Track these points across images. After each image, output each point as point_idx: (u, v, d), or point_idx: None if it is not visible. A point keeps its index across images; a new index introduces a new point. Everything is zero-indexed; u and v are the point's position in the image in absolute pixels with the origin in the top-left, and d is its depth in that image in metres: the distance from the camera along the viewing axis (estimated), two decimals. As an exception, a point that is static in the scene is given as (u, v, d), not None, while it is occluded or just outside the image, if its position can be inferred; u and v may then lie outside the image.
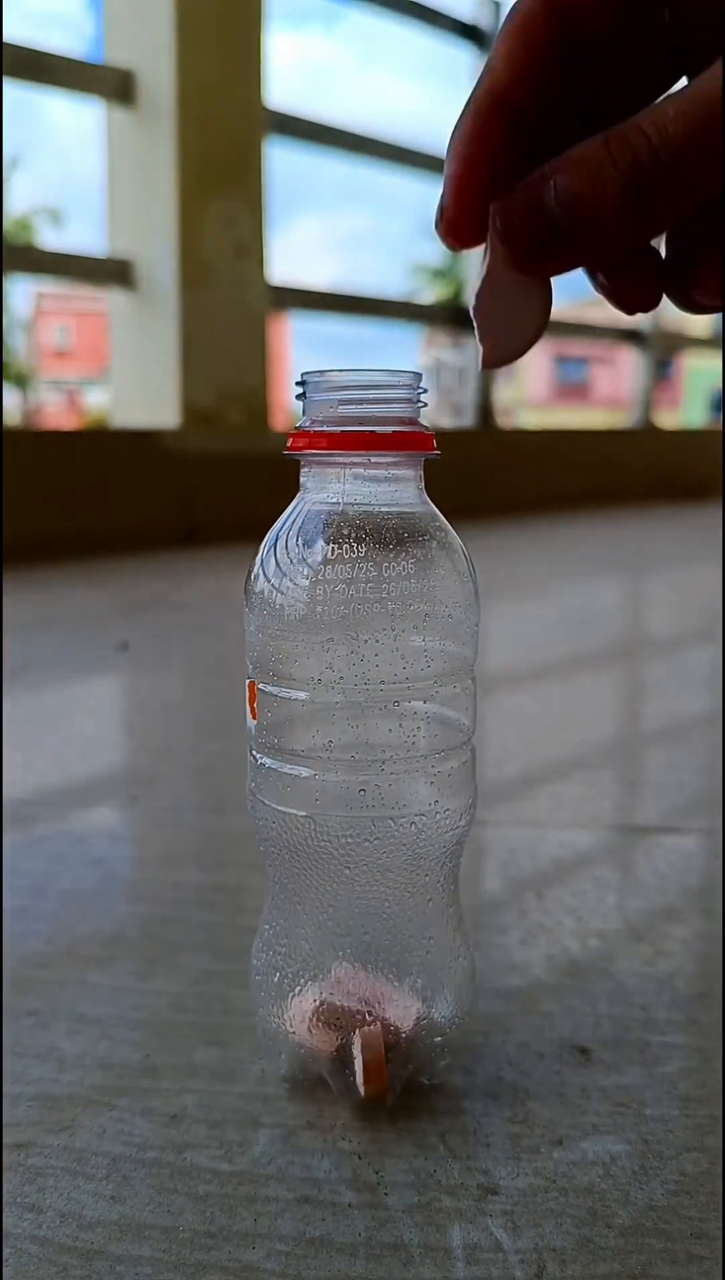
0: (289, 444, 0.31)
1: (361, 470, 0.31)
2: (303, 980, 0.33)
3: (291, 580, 0.31)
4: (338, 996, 0.33)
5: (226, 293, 1.91)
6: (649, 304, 0.28)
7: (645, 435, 3.20)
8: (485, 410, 2.63)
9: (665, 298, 0.28)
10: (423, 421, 0.32)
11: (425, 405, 0.32)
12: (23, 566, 1.50)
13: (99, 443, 1.82)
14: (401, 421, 0.31)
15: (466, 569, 0.32)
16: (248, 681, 0.33)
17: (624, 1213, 0.30)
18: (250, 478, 1.75)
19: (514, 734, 0.77)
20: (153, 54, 1.82)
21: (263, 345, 2.00)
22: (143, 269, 1.91)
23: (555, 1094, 0.35)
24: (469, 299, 0.29)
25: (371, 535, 0.31)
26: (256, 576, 0.32)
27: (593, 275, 0.29)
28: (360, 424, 0.30)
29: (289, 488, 0.33)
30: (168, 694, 0.93)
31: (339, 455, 0.31)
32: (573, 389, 24.79)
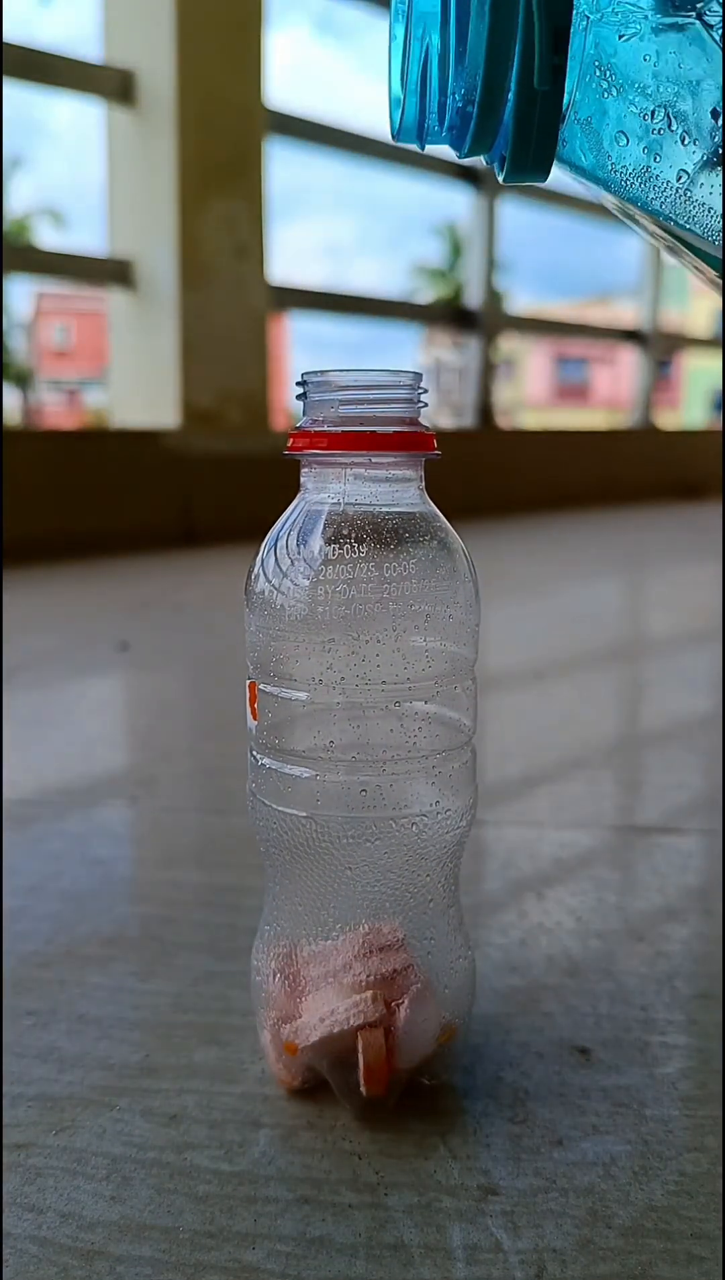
0: (289, 444, 0.31)
1: (362, 470, 0.31)
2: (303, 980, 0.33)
3: (292, 580, 0.31)
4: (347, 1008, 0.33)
5: (226, 293, 1.91)
6: None
7: (645, 435, 3.20)
8: (485, 410, 2.63)
9: None
10: (423, 422, 0.32)
11: (426, 405, 0.32)
12: (23, 566, 1.50)
13: (99, 443, 1.82)
14: (402, 422, 0.31)
15: (467, 569, 0.32)
16: (248, 682, 0.33)
17: (624, 1213, 0.30)
18: (250, 478, 1.75)
19: (514, 734, 0.77)
20: (153, 54, 1.82)
21: (263, 345, 2.00)
22: (143, 269, 1.91)
23: (555, 1094, 0.35)
24: None
25: (372, 535, 0.31)
26: (257, 577, 0.32)
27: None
28: (361, 424, 0.30)
29: (289, 488, 0.33)
30: (168, 694, 0.93)
31: (340, 455, 0.31)
32: (573, 389, 24.80)
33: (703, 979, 0.42)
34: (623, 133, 0.24)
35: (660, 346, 3.32)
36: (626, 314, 3.88)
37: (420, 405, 0.31)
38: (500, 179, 0.25)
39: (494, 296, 2.69)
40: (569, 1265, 0.28)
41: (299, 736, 0.32)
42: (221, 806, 0.62)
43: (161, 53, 1.81)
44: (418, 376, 0.31)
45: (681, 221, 0.25)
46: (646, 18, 0.23)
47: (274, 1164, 0.31)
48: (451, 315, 2.77)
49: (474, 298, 2.63)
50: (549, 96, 0.24)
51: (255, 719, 0.33)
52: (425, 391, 0.31)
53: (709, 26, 0.22)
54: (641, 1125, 0.33)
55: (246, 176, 1.93)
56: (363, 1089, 0.32)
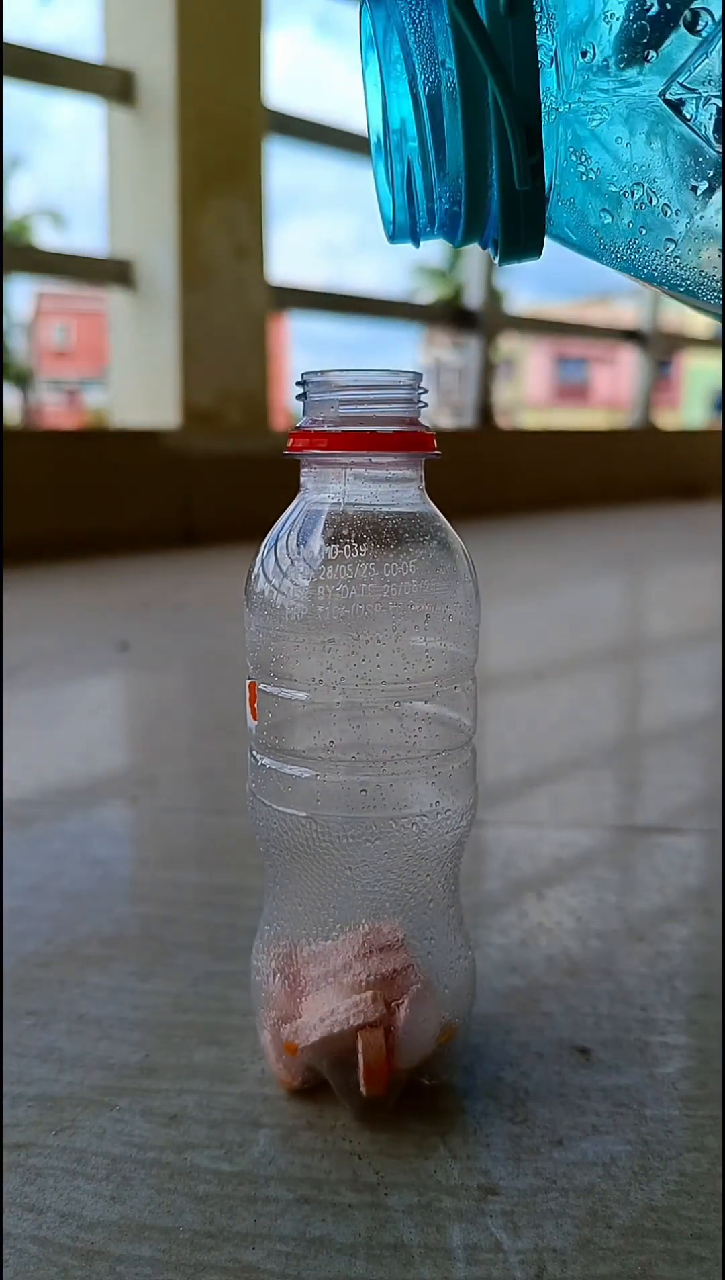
0: (289, 444, 0.31)
1: (362, 470, 0.31)
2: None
3: (292, 580, 0.31)
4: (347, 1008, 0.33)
5: (226, 293, 1.91)
6: None
7: (645, 435, 3.20)
8: (485, 410, 2.63)
9: None
10: (423, 422, 0.32)
11: (426, 405, 0.32)
12: (23, 566, 1.50)
13: (99, 443, 1.82)
14: (402, 422, 0.31)
15: (467, 569, 0.32)
16: (248, 682, 0.33)
17: (624, 1213, 0.30)
18: (250, 478, 1.75)
19: (514, 734, 0.77)
20: (153, 54, 1.82)
21: (263, 345, 2.00)
22: (143, 269, 1.91)
23: (555, 1094, 0.35)
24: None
25: (372, 535, 0.31)
26: (257, 577, 0.32)
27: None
28: (361, 424, 0.30)
29: (289, 488, 0.33)
30: (168, 694, 0.93)
31: (340, 455, 0.31)
32: (573, 389, 24.79)
33: (703, 979, 0.42)
34: (606, 210, 0.25)
35: (660, 346, 3.32)
36: (626, 314, 3.88)
37: (420, 405, 0.31)
38: (496, 262, 0.27)
39: (494, 296, 2.69)
40: (569, 1265, 0.28)
41: (299, 736, 0.32)
42: (221, 806, 0.62)
43: (161, 53, 1.81)
44: (418, 376, 0.31)
45: (676, 285, 0.26)
46: (612, 103, 0.24)
47: (274, 1164, 0.31)
48: (451, 315, 2.77)
49: (474, 298, 2.63)
50: (531, 193, 0.25)
51: (255, 719, 0.33)
52: (425, 391, 0.31)
53: (672, 106, 0.23)
54: (641, 1125, 0.33)
55: (246, 176, 1.93)
56: (363, 1089, 0.32)
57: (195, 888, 0.51)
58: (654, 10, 0.22)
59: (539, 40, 0.25)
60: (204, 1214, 0.29)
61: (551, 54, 0.25)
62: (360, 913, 0.33)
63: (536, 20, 0.25)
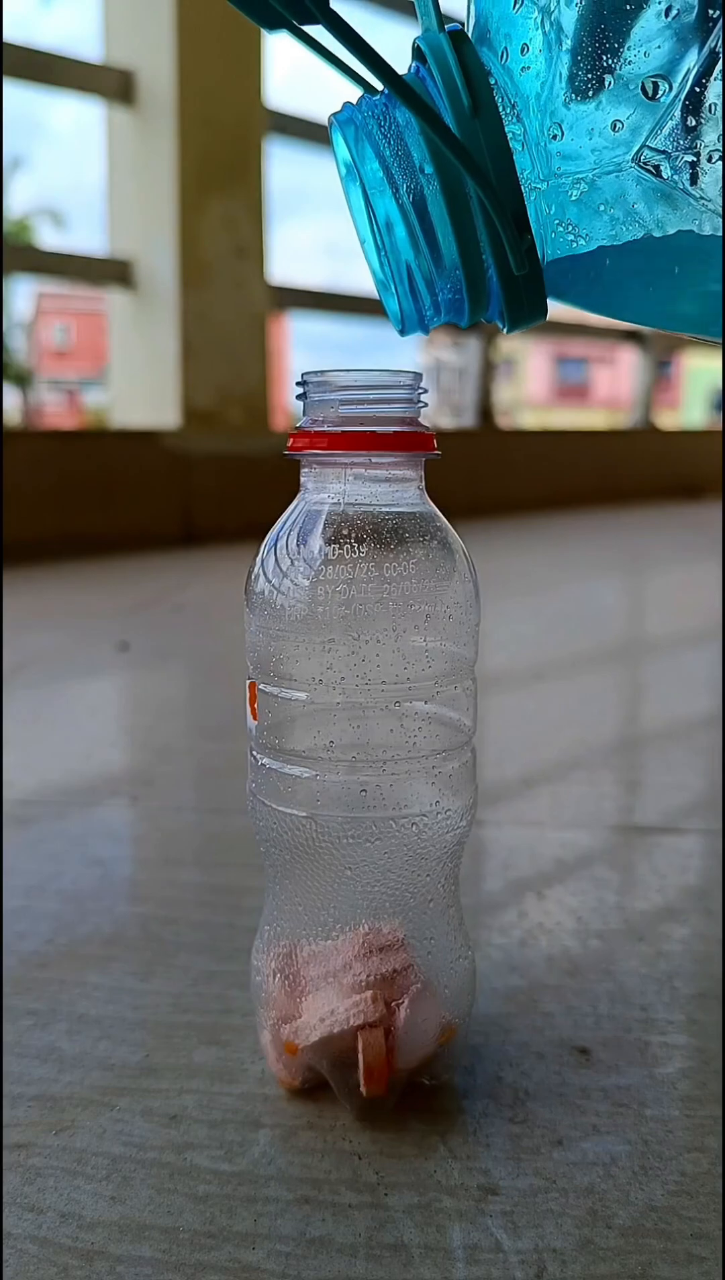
0: (289, 444, 0.31)
1: (362, 470, 0.31)
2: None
3: (292, 580, 0.31)
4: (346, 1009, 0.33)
5: (226, 293, 1.91)
6: None
7: (645, 435, 3.20)
8: (485, 410, 2.63)
9: None
10: (423, 422, 0.32)
11: (426, 406, 0.32)
12: (23, 566, 1.50)
13: (99, 443, 1.82)
14: (402, 422, 0.31)
15: (467, 569, 0.32)
16: (248, 682, 0.33)
17: (624, 1213, 0.30)
18: (250, 478, 1.75)
19: (514, 734, 0.77)
20: (153, 54, 1.82)
21: (263, 345, 2.00)
22: (143, 269, 1.91)
23: (555, 1094, 0.35)
24: None
25: (372, 535, 0.31)
26: (257, 577, 0.32)
27: None
28: (361, 424, 0.30)
29: (289, 488, 0.33)
30: (168, 694, 0.93)
31: (340, 455, 0.31)
32: (573, 389, 24.80)
33: (703, 979, 0.42)
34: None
35: (660, 346, 3.32)
36: (626, 314, 3.86)
37: (420, 405, 0.31)
38: (505, 332, 0.28)
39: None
40: (569, 1265, 0.28)
41: (299, 736, 0.32)
42: (221, 806, 0.62)
43: (161, 53, 1.81)
44: (418, 376, 0.31)
45: (680, 327, 0.27)
46: (589, 174, 0.25)
47: (274, 1164, 0.31)
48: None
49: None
50: (528, 274, 0.26)
51: (255, 719, 0.33)
52: (425, 391, 0.31)
53: (647, 167, 0.23)
54: (641, 1125, 0.33)
55: (246, 176, 1.93)
56: (363, 1089, 0.32)
57: (195, 888, 0.51)
58: (612, 86, 0.23)
59: (508, 128, 0.26)
60: (204, 1214, 0.29)
61: (521, 138, 0.26)
62: (360, 913, 0.33)
63: (501, 109, 0.25)
